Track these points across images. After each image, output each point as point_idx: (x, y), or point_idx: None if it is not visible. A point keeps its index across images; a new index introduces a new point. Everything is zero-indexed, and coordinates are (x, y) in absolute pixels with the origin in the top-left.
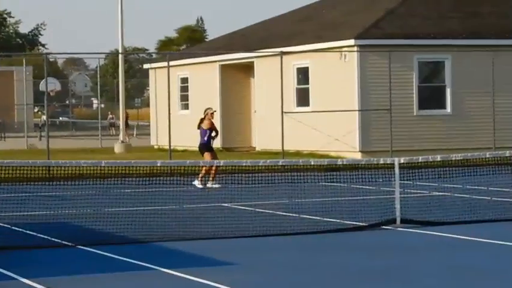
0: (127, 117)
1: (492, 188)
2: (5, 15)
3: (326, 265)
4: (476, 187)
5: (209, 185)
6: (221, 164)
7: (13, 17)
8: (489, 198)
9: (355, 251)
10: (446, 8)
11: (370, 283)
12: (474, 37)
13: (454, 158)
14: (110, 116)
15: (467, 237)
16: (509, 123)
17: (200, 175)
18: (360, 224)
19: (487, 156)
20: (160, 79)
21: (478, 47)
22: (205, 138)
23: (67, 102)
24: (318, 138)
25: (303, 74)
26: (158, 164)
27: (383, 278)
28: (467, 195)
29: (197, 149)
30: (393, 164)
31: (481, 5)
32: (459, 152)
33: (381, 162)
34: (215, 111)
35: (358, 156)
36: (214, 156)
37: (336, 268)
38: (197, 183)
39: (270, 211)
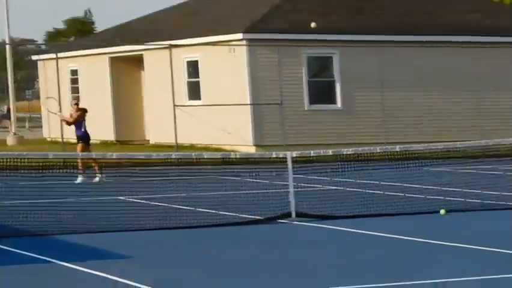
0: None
1: (384, 183)
2: None
3: (221, 259)
4: (368, 181)
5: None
6: (114, 157)
7: None
8: (381, 192)
9: (251, 245)
10: (330, 3)
11: (264, 276)
12: (360, 33)
13: (345, 153)
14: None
15: (361, 231)
16: (399, 118)
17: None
18: (257, 217)
19: (378, 150)
20: (50, 71)
21: (364, 43)
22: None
23: None
24: (211, 132)
25: (193, 68)
26: (51, 156)
27: (278, 271)
28: (360, 190)
29: (91, 141)
30: (286, 158)
31: (364, 1)
32: (351, 146)
33: (274, 156)
34: (76, 103)
35: (252, 150)
36: (84, 147)
37: (231, 262)
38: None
39: (166, 204)
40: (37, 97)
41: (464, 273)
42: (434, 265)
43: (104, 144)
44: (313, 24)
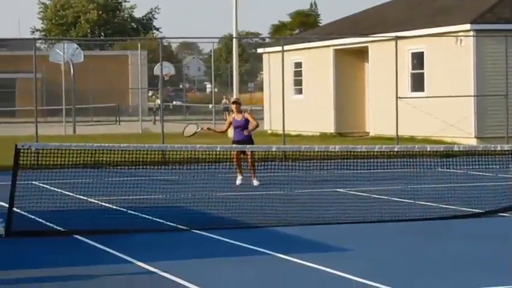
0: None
1: None
2: (120, 0)
3: (441, 253)
4: None
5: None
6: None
7: (128, 2)
8: None
9: (470, 239)
10: None
11: (482, 272)
12: None
13: None
14: (225, 100)
15: None
16: None
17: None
18: (477, 211)
19: None
20: (274, 63)
21: None
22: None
23: (181, 86)
24: (432, 123)
25: (417, 59)
26: (274, 149)
27: (497, 267)
28: None
29: (311, 133)
30: (511, 150)
31: None
32: None
33: (499, 148)
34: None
35: (473, 142)
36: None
37: (450, 256)
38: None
39: (385, 197)
40: (260, 89)
41: None
42: None
43: (324, 136)
44: None
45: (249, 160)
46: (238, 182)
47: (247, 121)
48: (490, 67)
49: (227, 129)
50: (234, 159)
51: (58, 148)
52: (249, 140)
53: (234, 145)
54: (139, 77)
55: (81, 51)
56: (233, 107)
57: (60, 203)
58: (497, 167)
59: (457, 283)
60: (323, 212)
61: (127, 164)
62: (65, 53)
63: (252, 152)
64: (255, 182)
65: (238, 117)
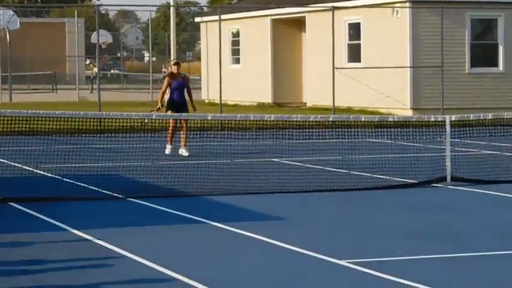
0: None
1: None
2: None
3: (374, 222)
4: None
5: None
6: (271, 119)
7: None
8: None
9: (404, 209)
10: None
11: (417, 242)
12: None
13: (506, 117)
14: (164, 69)
15: None
16: None
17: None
18: (411, 181)
19: None
20: (211, 33)
21: None
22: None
23: (118, 55)
24: (368, 94)
25: (354, 30)
26: (209, 118)
27: (431, 236)
28: None
29: (248, 103)
30: (444, 121)
31: None
32: (511, 110)
33: (432, 119)
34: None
35: (409, 113)
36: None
37: (383, 226)
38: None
39: (319, 167)
40: (197, 59)
41: None
42: None
43: (261, 106)
44: None
45: (184, 127)
46: (167, 151)
47: (186, 82)
48: (426, 39)
49: (165, 90)
50: (170, 127)
51: None
52: (185, 103)
53: (170, 112)
54: (76, 45)
55: (17, 18)
56: (174, 68)
57: None
58: (432, 138)
59: (390, 251)
60: (259, 182)
61: (62, 131)
62: (1, 19)
63: (186, 120)
64: (184, 152)
65: (178, 78)
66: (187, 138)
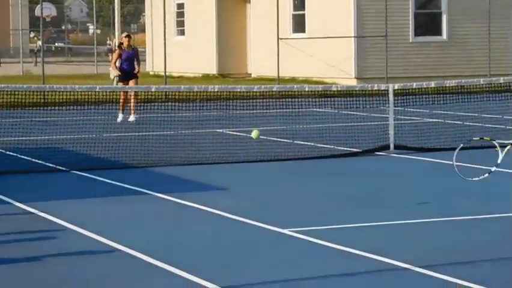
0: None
1: (485, 115)
2: None
3: (317, 191)
4: (469, 114)
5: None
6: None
7: None
8: (480, 125)
9: (347, 177)
10: None
11: (358, 210)
12: None
13: (448, 85)
14: (109, 42)
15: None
16: (505, 50)
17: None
18: (354, 150)
19: (481, 82)
20: (156, 5)
21: None
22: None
23: (63, 27)
24: (313, 65)
25: (299, 0)
26: (153, 90)
27: (372, 204)
28: (460, 122)
29: (193, 74)
30: (388, 90)
31: None
32: (454, 79)
33: (376, 88)
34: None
35: (353, 83)
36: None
37: (326, 194)
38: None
39: (264, 137)
40: (142, 31)
41: None
42: None
43: (206, 77)
44: None
45: (132, 96)
46: (119, 119)
47: (136, 53)
48: (370, 8)
49: (115, 61)
50: (122, 98)
51: None
52: (134, 72)
53: (121, 84)
54: (20, 18)
55: None
56: (125, 40)
57: None
58: (375, 106)
59: (334, 219)
60: (202, 152)
61: (5, 105)
62: None
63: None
64: (132, 118)
65: (129, 49)
66: (136, 106)
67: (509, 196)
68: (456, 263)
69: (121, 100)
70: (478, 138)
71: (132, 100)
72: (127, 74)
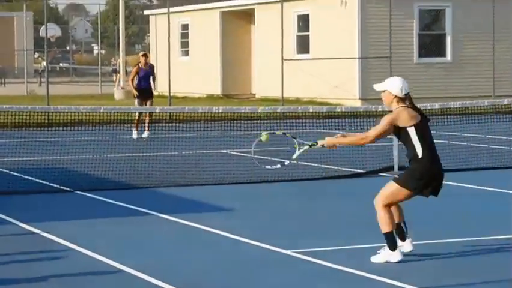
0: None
1: (490, 136)
2: None
3: (321, 212)
4: (474, 135)
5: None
6: (219, 111)
7: None
8: (486, 146)
9: (350, 199)
10: None
11: (362, 231)
12: None
13: (452, 106)
14: (113, 62)
15: (465, 185)
16: (509, 71)
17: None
18: (358, 170)
19: (486, 104)
20: (160, 25)
21: None
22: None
23: (67, 48)
24: (317, 86)
25: (303, 21)
26: (157, 110)
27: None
28: (465, 143)
29: (197, 95)
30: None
31: None
32: (458, 100)
33: (380, 109)
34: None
35: (358, 104)
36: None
37: (330, 216)
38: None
39: (269, 158)
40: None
41: None
42: None
43: (210, 98)
44: None
45: (147, 114)
46: (134, 136)
47: (152, 70)
48: (374, 29)
49: (133, 78)
50: (137, 117)
51: None
52: (151, 90)
53: (137, 98)
54: (25, 39)
55: None
56: (142, 58)
57: None
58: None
59: (340, 240)
60: (206, 173)
61: (10, 125)
62: None
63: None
64: (145, 134)
65: (146, 68)
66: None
67: None
68: (469, 284)
69: (136, 119)
70: (282, 133)
71: (147, 119)
72: (144, 91)
